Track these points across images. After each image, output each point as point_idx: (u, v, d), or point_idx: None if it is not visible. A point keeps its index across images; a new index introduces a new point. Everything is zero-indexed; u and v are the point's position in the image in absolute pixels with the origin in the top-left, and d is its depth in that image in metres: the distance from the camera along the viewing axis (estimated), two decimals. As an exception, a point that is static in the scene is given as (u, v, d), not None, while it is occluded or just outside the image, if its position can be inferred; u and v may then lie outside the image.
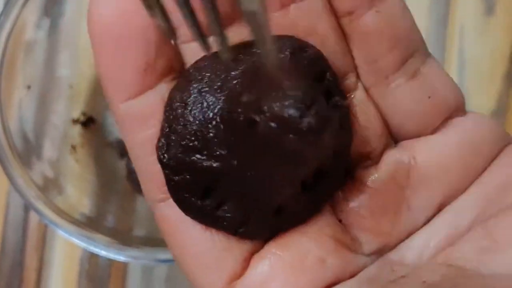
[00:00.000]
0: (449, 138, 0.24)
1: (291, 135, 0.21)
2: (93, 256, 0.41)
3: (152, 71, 0.22)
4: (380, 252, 0.24)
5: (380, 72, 0.23)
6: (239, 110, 0.21)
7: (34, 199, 0.37)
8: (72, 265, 0.41)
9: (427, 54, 0.24)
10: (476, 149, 0.24)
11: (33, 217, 0.41)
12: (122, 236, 0.38)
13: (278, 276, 0.23)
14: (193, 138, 0.22)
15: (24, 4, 0.37)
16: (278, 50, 0.22)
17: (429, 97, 0.23)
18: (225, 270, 0.23)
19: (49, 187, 0.39)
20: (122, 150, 0.41)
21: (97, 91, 0.41)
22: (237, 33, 0.22)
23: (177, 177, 0.22)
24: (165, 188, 0.22)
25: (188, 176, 0.22)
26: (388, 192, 0.23)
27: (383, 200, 0.23)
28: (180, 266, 0.24)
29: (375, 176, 0.24)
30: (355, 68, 0.24)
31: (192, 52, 0.22)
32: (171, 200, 0.23)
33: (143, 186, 0.23)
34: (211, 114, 0.21)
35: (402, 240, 0.24)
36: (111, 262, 0.41)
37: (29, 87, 0.39)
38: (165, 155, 0.22)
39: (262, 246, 0.23)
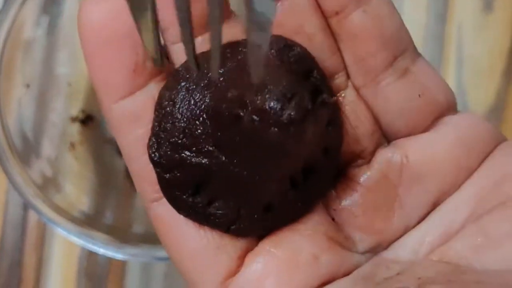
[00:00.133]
0: (441, 137, 0.24)
1: (273, 128, 0.22)
2: (91, 254, 0.41)
3: (141, 72, 0.22)
4: (374, 250, 0.24)
5: (370, 71, 0.23)
6: (225, 105, 0.22)
7: (32, 197, 0.37)
8: (71, 263, 0.41)
9: (417, 54, 0.24)
10: (468, 148, 0.24)
11: (32, 216, 0.41)
12: (120, 234, 0.39)
13: (272, 273, 0.23)
14: (181, 135, 0.22)
15: (23, 3, 0.37)
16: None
17: (419, 95, 0.24)
18: (219, 268, 0.23)
19: (48, 185, 0.39)
20: (120, 148, 0.41)
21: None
22: (225, 33, 0.22)
23: (168, 175, 0.22)
24: (158, 187, 0.23)
25: (178, 174, 0.22)
26: (381, 190, 0.24)
27: (376, 199, 0.24)
28: (175, 265, 0.24)
29: (367, 175, 0.24)
30: (345, 67, 0.24)
31: (181, 52, 0.23)
32: (164, 200, 0.23)
33: (137, 186, 0.24)
34: (198, 111, 0.22)
35: (396, 239, 0.24)
36: (109, 260, 0.41)
37: (28, 85, 0.39)
38: (156, 153, 0.22)
39: (256, 244, 0.24)
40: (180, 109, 0.22)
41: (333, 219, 0.24)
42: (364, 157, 0.24)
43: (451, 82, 0.41)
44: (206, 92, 0.22)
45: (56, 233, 0.41)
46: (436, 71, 0.24)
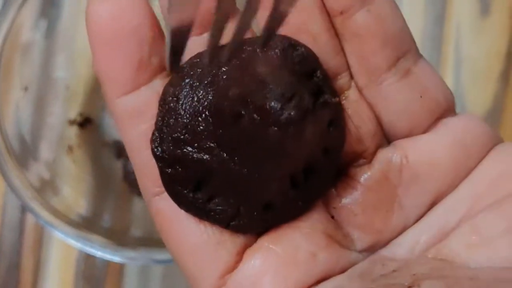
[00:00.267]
0: (440, 138, 0.24)
1: (273, 127, 0.22)
2: (89, 257, 0.41)
3: (146, 68, 0.22)
4: (372, 248, 0.24)
5: (373, 71, 0.24)
6: (227, 103, 0.22)
7: (30, 200, 0.37)
8: (68, 266, 0.41)
9: (419, 55, 0.24)
10: (467, 149, 0.24)
11: (30, 218, 0.41)
12: (118, 237, 0.39)
13: (270, 270, 0.23)
14: (184, 131, 0.22)
15: (21, 6, 0.37)
16: (269, 47, 0.23)
17: (420, 96, 0.24)
18: (218, 263, 0.23)
19: (46, 188, 0.39)
20: (118, 151, 0.41)
21: (93, 92, 0.41)
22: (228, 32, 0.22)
23: (169, 170, 0.23)
24: (160, 181, 0.23)
25: (180, 169, 0.23)
26: (381, 190, 0.24)
27: (376, 198, 0.24)
28: (174, 259, 0.24)
29: (368, 174, 0.24)
30: (348, 67, 0.24)
31: (187, 49, 0.23)
32: (166, 194, 0.23)
33: (139, 181, 0.24)
34: (200, 108, 0.22)
35: (393, 238, 0.24)
36: (107, 262, 0.41)
37: (26, 88, 0.39)
38: (158, 147, 0.23)
39: (255, 240, 0.24)
40: (184, 105, 0.22)
41: (332, 217, 0.24)
42: (366, 157, 0.24)
43: (449, 85, 0.41)
44: (209, 89, 0.22)
45: (53, 236, 0.41)
46: (436, 73, 0.25)
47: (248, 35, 0.24)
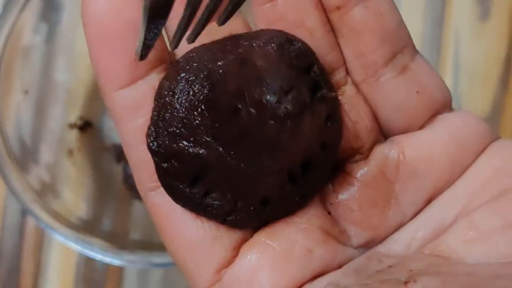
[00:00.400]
0: (437, 134, 0.24)
1: (270, 121, 0.22)
2: (89, 260, 0.41)
3: (143, 62, 0.22)
4: (368, 244, 0.24)
5: (370, 67, 0.24)
6: (223, 97, 0.22)
7: (31, 203, 0.37)
8: (68, 269, 0.41)
9: (415, 51, 0.24)
10: (463, 145, 0.24)
11: (30, 222, 0.41)
12: (118, 240, 0.39)
13: (266, 265, 0.23)
14: (180, 125, 0.22)
15: (21, 10, 0.37)
16: (266, 42, 0.23)
17: (417, 92, 0.24)
18: (214, 258, 0.23)
19: (46, 191, 0.39)
20: (119, 155, 0.41)
21: (94, 96, 0.41)
22: (225, 27, 0.22)
23: (165, 164, 0.23)
24: (156, 176, 0.23)
25: (176, 164, 0.23)
26: (377, 186, 0.24)
27: (372, 194, 0.24)
28: (170, 254, 0.24)
29: (365, 170, 0.24)
30: (344, 63, 0.24)
31: (182, 43, 0.23)
32: (162, 189, 0.23)
33: (135, 176, 0.24)
34: (196, 102, 0.22)
35: (390, 234, 0.24)
36: (107, 266, 0.41)
37: (26, 91, 0.39)
38: (154, 142, 0.23)
39: (251, 235, 0.24)
40: (179, 100, 0.22)
41: (329, 213, 0.24)
42: (362, 153, 0.24)
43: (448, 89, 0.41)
44: (205, 83, 0.22)
45: (54, 239, 0.41)
46: (433, 69, 0.25)
47: (244, 30, 0.24)
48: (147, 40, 0.20)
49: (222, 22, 0.21)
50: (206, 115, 0.22)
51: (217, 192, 0.23)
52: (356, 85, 0.24)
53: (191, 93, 0.22)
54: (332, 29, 0.24)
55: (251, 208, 0.23)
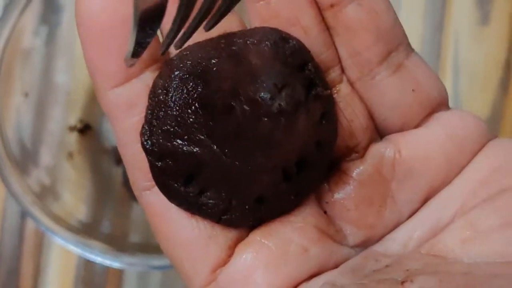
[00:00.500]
0: (433, 132, 0.24)
1: (264, 119, 0.22)
2: (89, 263, 0.41)
3: (136, 60, 0.22)
4: (365, 244, 0.24)
5: (365, 65, 0.24)
6: (217, 95, 0.22)
7: (30, 205, 0.37)
8: (68, 271, 0.41)
9: (411, 49, 0.24)
10: (460, 143, 0.24)
11: (30, 224, 0.41)
12: (117, 243, 0.39)
13: (261, 264, 0.23)
14: (174, 123, 0.22)
15: (22, 12, 0.37)
16: (260, 40, 0.23)
17: (413, 90, 0.24)
18: (210, 257, 0.23)
19: (46, 193, 0.39)
20: (118, 157, 0.41)
21: (94, 99, 0.41)
22: (220, 25, 0.22)
23: (160, 163, 0.22)
24: (150, 175, 0.23)
25: (170, 162, 0.22)
26: (373, 185, 0.24)
27: (368, 193, 0.24)
28: (166, 254, 0.24)
29: (360, 169, 0.24)
30: (340, 62, 0.24)
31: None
32: (156, 188, 0.23)
33: (129, 175, 0.24)
34: (190, 100, 0.22)
35: (387, 233, 0.24)
36: (107, 268, 0.41)
37: (26, 94, 0.39)
38: (148, 141, 0.22)
39: (247, 234, 0.24)
40: (173, 98, 0.22)
41: (325, 212, 0.24)
42: (358, 151, 0.24)
43: (448, 93, 0.41)
44: (199, 81, 0.22)
45: (53, 242, 0.41)
46: (429, 67, 0.25)
47: (239, 28, 0.24)
48: (138, 45, 0.20)
49: (209, 28, 0.21)
50: (200, 113, 0.22)
51: (212, 191, 0.23)
52: (351, 84, 0.24)
53: (184, 91, 0.22)
54: (327, 28, 0.24)
55: (246, 207, 0.23)
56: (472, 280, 0.21)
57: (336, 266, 0.23)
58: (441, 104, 0.25)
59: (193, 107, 0.22)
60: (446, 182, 0.24)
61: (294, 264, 0.23)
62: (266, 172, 0.23)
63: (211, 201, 0.23)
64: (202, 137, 0.22)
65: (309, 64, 0.23)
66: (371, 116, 0.24)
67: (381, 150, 0.24)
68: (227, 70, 0.22)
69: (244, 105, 0.22)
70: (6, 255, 0.41)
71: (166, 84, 0.22)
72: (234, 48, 0.23)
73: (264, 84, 0.22)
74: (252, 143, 0.22)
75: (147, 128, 0.22)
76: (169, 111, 0.22)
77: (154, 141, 0.22)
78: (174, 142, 0.22)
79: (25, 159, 0.39)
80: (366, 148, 0.24)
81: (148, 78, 0.23)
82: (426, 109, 0.24)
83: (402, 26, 0.24)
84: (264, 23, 0.23)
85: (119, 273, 0.41)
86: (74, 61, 0.41)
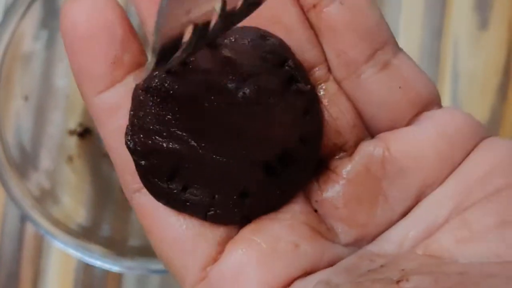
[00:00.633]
0: (423, 130, 0.24)
1: (234, 109, 0.23)
2: (88, 267, 0.41)
3: (119, 66, 0.23)
4: (358, 243, 0.24)
5: (350, 64, 0.24)
6: (192, 91, 0.23)
7: (30, 209, 0.37)
8: (67, 275, 0.41)
9: (398, 49, 0.24)
10: (451, 141, 0.24)
11: (29, 228, 0.41)
12: (117, 246, 0.39)
13: (252, 261, 0.23)
14: (153, 121, 0.23)
15: (22, 17, 0.37)
16: (238, 38, 0.23)
17: (400, 87, 0.24)
18: (199, 254, 0.23)
19: (46, 197, 0.39)
20: (118, 161, 0.41)
21: (94, 102, 0.41)
22: None
23: (143, 162, 0.23)
24: (138, 177, 0.23)
25: (153, 160, 0.23)
26: (363, 183, 0.24)
27: (358, 191, 0.24)
28: (157, 254, 0.24)
29: (349, 167, 0.24)
30: (326, 60, 0.24)
31: None
32: (145, 190, 0.23)
33: (120, 179, 0.24)
34: (168, 98, 0.23)
35: (380, 232, 0.24)
36: (106, 272, 0.41)
37: (26, 98, 0.39)
38: (131, 140, 0.23)
39: (237, 232, 0.24)
40: (152, 97, 0.23)
41: (315, 211, 0.24)
42: (346, 150, 0.24)
43: (447, 98, 0.41)
44: (175, 78, 0.23)
45: (53, 245, 0.41)
46: (417, 66, 0.25)
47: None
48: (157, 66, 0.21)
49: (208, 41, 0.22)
50: (177, 109, 0.22)
51: (195, 187, 0.23)
52: (338, 83, 0.24)
53: (162, 89, 0.23)
54: (312, 28, 0.24)
55: (230, 202, 0.23)
56: (467, 279, 0.21)
57: (329, 264, 0.23)
58: (432, 103, 0.25)
59: (169, 104, 0.23)
60: (438, 180, 0.24)
61: (285, 260, 0.23)
62: (247, 166, 0.23)
63: (194, 197, 0.23)
64: (180, 133, 0.23)
65: (289, 60, 0.24)
66: (359, 114, 0.24)
67: (370, 148, 0.24)
68: (204, 67, 0.23)
69: (216, 98, 0.23)
70: (6, 259, 0.41)
71: (146, 85, 0.23)
72: (212, 46, 0.23)
73: (234, 76, 0.23)
74: (229, 137, 0.23)
75: (130, 128, 0.23)
76: (148, 110, 0.23)
77: (136, 140, 0.23)
78: (155, 140, 0.23)
79: (24, 163, 0.39)
80: (354, 146, 0.24)
81: (132, 82, 0.23)
82: (415, 107, 0.24)
83: (388, 26, 0.24)
84: (246, 22, 0.23)
85: (119, 277, 0.41)
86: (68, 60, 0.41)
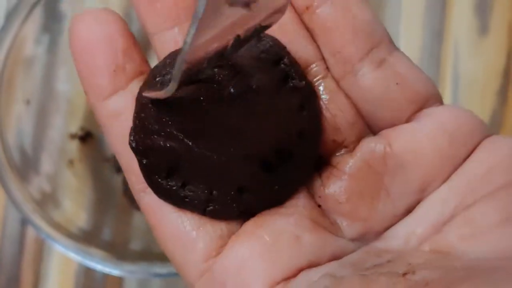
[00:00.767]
0: (424, 126, 0.24)
1: (231, 108, 0.23)
2: (89, 270, 0.41)
3: (122, 74, 0.24)
4: (362, 237, 0.24)
5: (346, 62, 0.24)
6: (192, 91, 0.23)
7: (31, 213, 0.37)
8: (68, 279, 0.41)
9: (394, 47, 0.25)
10: (451, 138, 0.24)
11: (30, 231, 0.41)
12: (118, 250, 0.39)
13: (255, 254, 0.23)
14: (152, 121, 0.23)
15: (24, 21, 0.37)
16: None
17: (397, 84, 0.24)
18: (200, 247, 0.24)
19: (47, 201, 0.39)
20: (119, 165, 0.41)
21: (95, 106, 0.41)
22: None
23: (145, 160, 0.24)
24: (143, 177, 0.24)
25: (153, 158, 0.24)
26: (365, 178, 0.24)
27: (360, 186, 0.24)
28: (163, 250, 0.25)
29: (351, 163, 0.24)
30: (322, 58, 0.25)
31: (162, 42, 0.25)
32: (150, 189, 0.24)
33: (128, 181, 0.25)
34: (167, 98, 0.23)
35: (384, 227, 0.24)
36: (107, 276, 0.41)
37: (28, 102, 0.40)
38: (133, 140, 0.24)
39: (239, 227, 0.24)
40: (153, 100, 0.23)
41: (319, 206, 0.25)
42: (347, 146, 0.25)
43: (447, 100, 0.41)
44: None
45: (53, 249, 0.41)
46: (414, 64, 0.25)
47: None
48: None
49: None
50: (174, 109, 0.23)
51: (193, 183, 0.24)
52: (336, 82, 0.25)
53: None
54: (308, 30, 0.25)
55: (228, 198, 0.24)
56: (473, 274, 0.21)
57: (333, 257, 0.24)
58: (431, 99, 0.25)
59: (168, 105, 0.23)
60: (439, 176, 0.24)
61: (289, 251, 0.23)
62: (243, 162, 0.24)
63: (192, 193, 0.24)
64: (175, 132, 0.23)
65: (285, 59, 0.24)
66: (358, 112, 0.25)
67: (371, 144, 0.24)
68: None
69: (213, 97, 0.23)
70: (6, 262, 0.41)
71: (148, 88, 0.24)
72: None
73: (230, 76, 0.23)
74: (223, 133, 0.23)
75: (132, 129, 0.24)
76: (148, 111, 0.23)
77: (138, 139, 0.24)
78: (154, 139, 0.23)
79: (26, 167, 0.39)
80: (356, 143, 0.25)
81: (134, 88, 0.24)
82: (414, 103, 0.25)
83: (382, 25, 0.25)
84: None
85: (120, 280, 0.41)
86: (76, 70, 0.41)
